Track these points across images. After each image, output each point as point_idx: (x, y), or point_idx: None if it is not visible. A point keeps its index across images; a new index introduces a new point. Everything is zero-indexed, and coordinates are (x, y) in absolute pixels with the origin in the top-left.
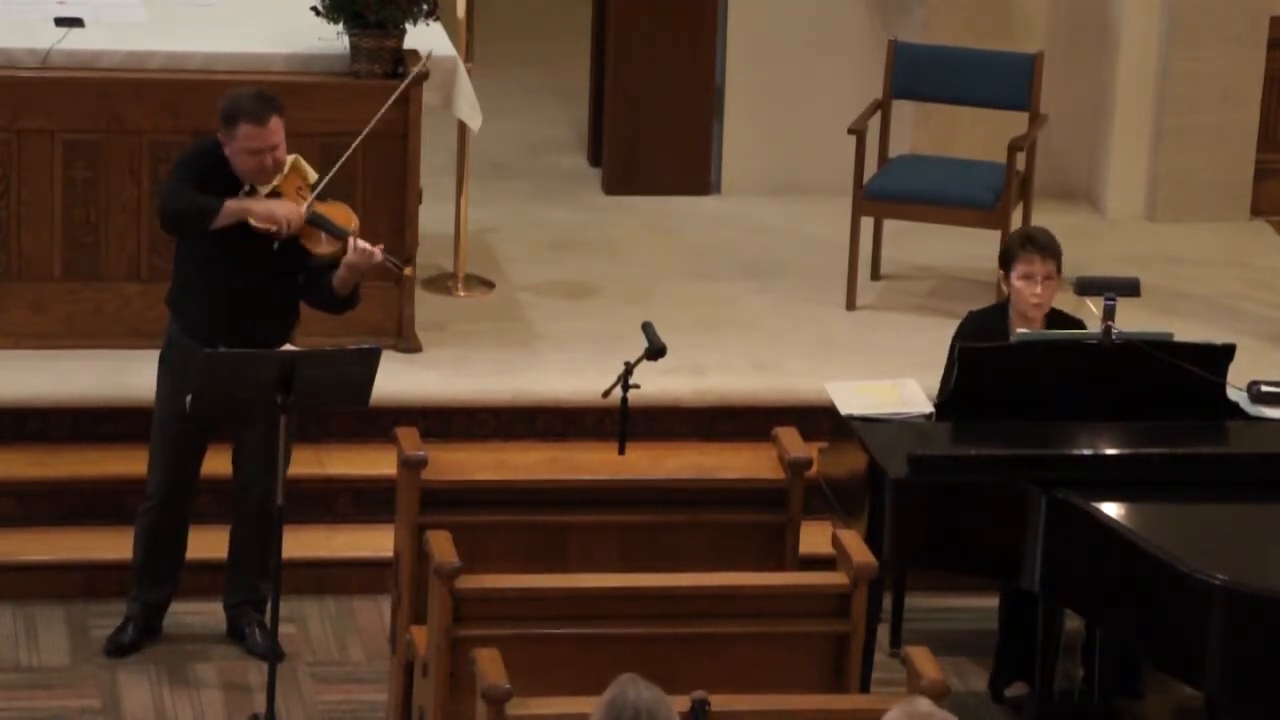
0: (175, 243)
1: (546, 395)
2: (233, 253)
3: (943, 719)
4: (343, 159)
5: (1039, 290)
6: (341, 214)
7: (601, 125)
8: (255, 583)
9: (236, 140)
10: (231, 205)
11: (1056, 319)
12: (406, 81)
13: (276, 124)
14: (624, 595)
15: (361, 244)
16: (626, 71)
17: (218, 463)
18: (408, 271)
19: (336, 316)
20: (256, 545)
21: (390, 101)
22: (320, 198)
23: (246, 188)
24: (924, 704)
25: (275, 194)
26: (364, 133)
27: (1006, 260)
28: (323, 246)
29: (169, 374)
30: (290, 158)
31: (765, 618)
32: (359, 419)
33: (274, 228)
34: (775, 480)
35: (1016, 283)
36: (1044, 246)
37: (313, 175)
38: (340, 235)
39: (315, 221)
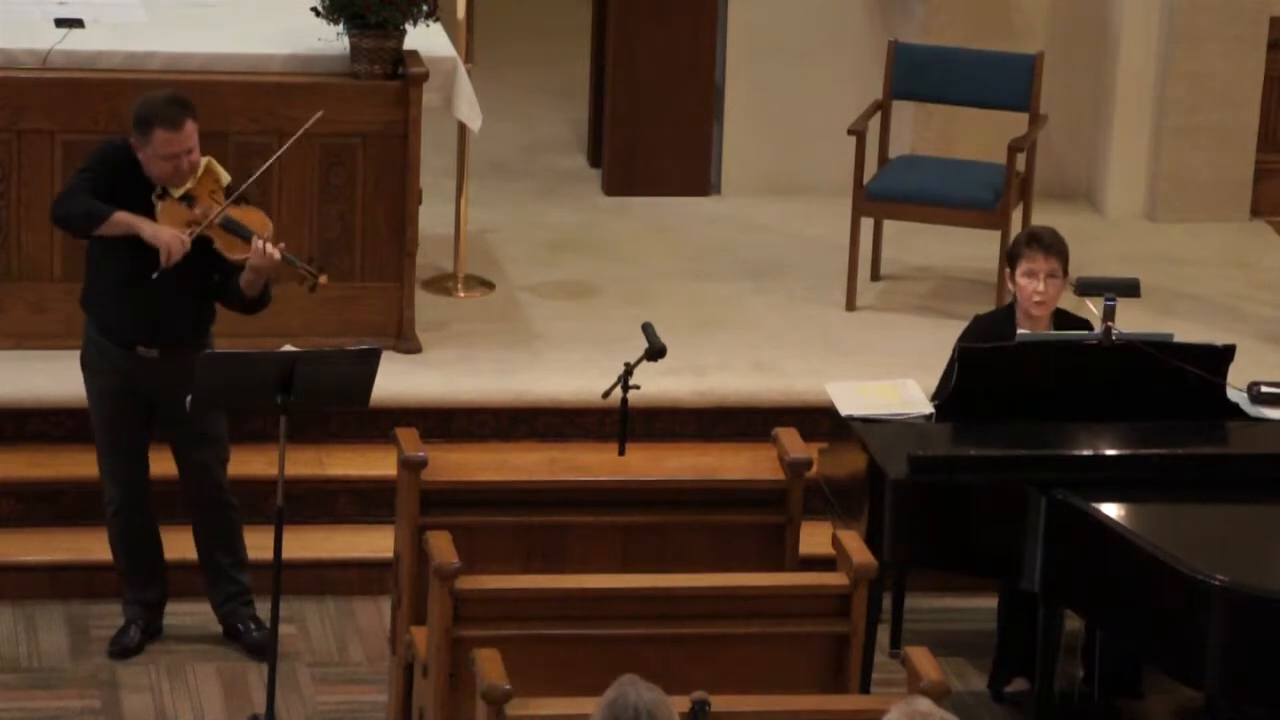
0: (86, 244)
1: (546, 395)
2: (145, 252)
3: (942, 718)
4: (261, 169)
5: (1041, 288)
6: (254, 218)
7: (601, 125)
8: (233, 575)
9: (152, 146)
10: (121, 217)
11: (1062, 319)
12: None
13: (191, 128)
14: (624, 595)
15: (264, 246)
16: (626, 72)
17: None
18: (322, 280)
19: (245, 315)
20: (221, 537)
21: (305, 127)
22: (237, 202)
23: (158, 190)
24: (924, 703)
25: (188, 197)
26: (279, 152)
27: (1012, 258)
28: (236, 251)
29: (90, 375)
30: (203, 160)
31: (765, 618)
32: (359, 419)
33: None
34: (775, 481)
35: (1020, 280)
36: (1047, 245)
37: (226, 177)
38: (246, 238)
39: (227, 226)
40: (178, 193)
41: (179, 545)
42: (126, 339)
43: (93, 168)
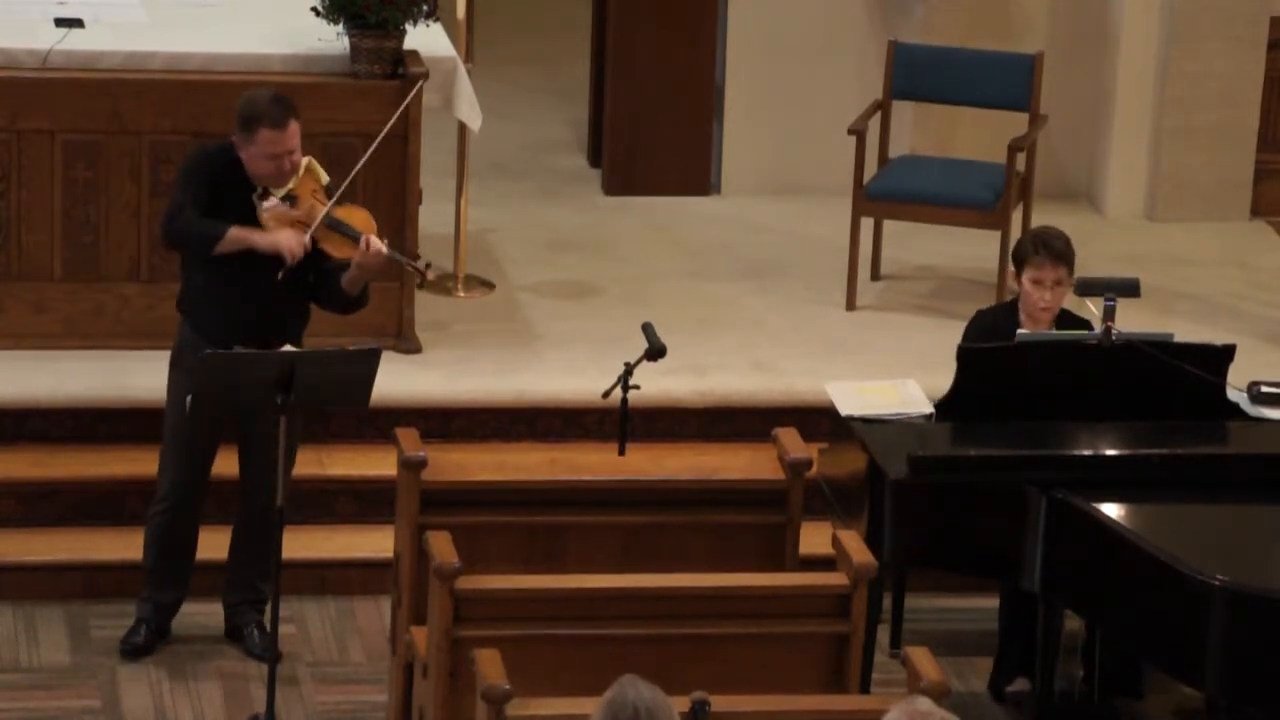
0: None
1: (546, 395)
2: (243, 257)
3: (943, 718)
4: (360, 164)
5: (1048, 296)
6: (359, 218)
7: (601, 125)
8: (255, 583)
9: (256, 145)
10: (235, 234)
11: (1065, 319)
12: (415, 91)
13: (295, 128)
14: (624, 595)
15: (374, 243)
16: (626, 71)
17: (220, 464)
18: (430, 276)
19: (342, 317)
20: (260, 546)
21: (405, 105)
22: (338, 202)
23: (259, 190)
24: (924, 703)
25: (290, 197)
26: (380, 136)
27: (1019, 260)
28: (340, 250)
29: (182, 376)
30: (304, 160)
31: (765, 618)
32: (359, 419)
33: (284, 259)
34: (775, 481)
35: (1026, 286)
36: (1057, 253)
37: (325, 177)
38: (355, 238)
39: (334, 226)
40: (280, 193)
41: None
42: (224, 341)
43: (192, 177)
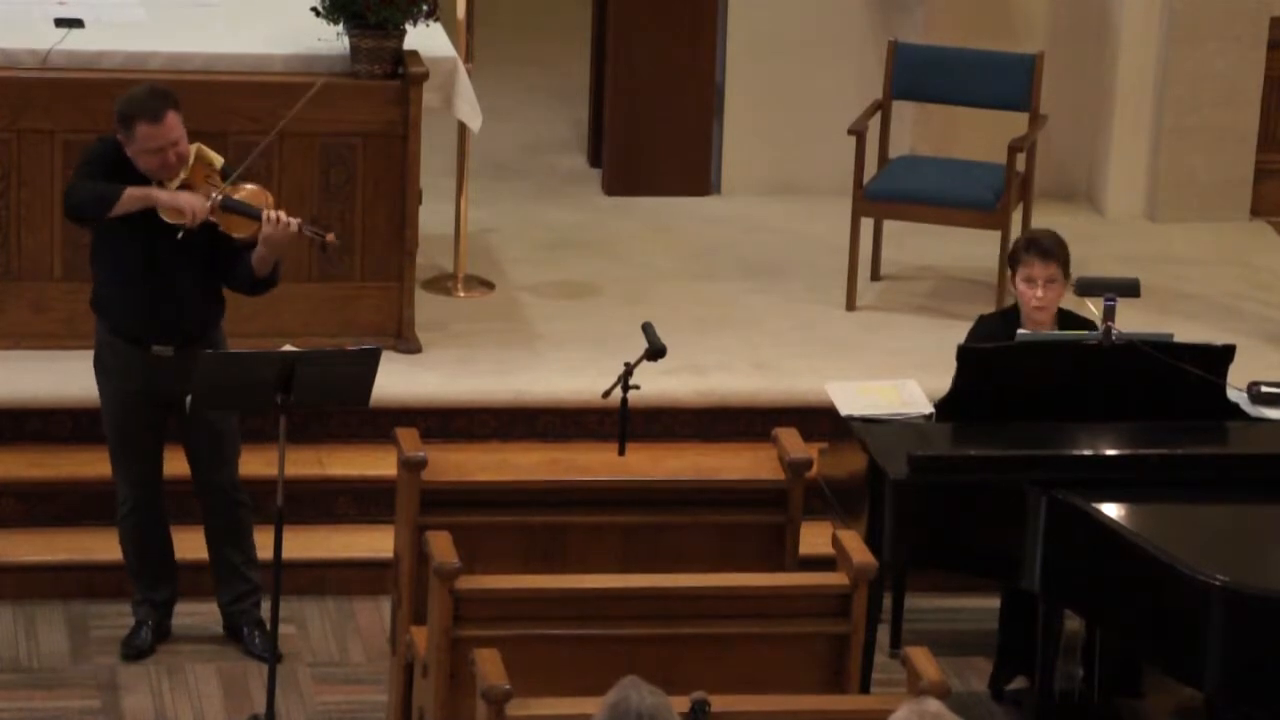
0: (90, 243)
1: (547, 395)
2: (147, 248)
3: None
4: (260, 147)
5: (1039, 294)
6: (255, 195)
7: (601, 125)
8: (245, 573)
9: (136, 141)
10: (134, 193)
11: (1067, 320)
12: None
13: (174, 119)
14: (624, 595)
15: (278, 216)
16: (626, 71)
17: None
18: (330, 238)
19: (258, 298)
20: (233, 535)
21: (306, 97)
22: (233, 182)
23: (154, 184)
24: (933, 704)
25: (185, 187)
26: (279, 126)
27: (1013, 263)
28: (241, 230)
29: (104, 377)
30: (193, 148)
31: (765, 618)
32: (359, 419)
33: (183, 220)
34: (775, 481)
35: (1020, 285)
36: (1045, 250)
37: (218, 160)
38: (255, 215)
39: (229, 206)
40: (173, 185)
41: (187, 545)
42: (139, 337)
43: (90, 163)
